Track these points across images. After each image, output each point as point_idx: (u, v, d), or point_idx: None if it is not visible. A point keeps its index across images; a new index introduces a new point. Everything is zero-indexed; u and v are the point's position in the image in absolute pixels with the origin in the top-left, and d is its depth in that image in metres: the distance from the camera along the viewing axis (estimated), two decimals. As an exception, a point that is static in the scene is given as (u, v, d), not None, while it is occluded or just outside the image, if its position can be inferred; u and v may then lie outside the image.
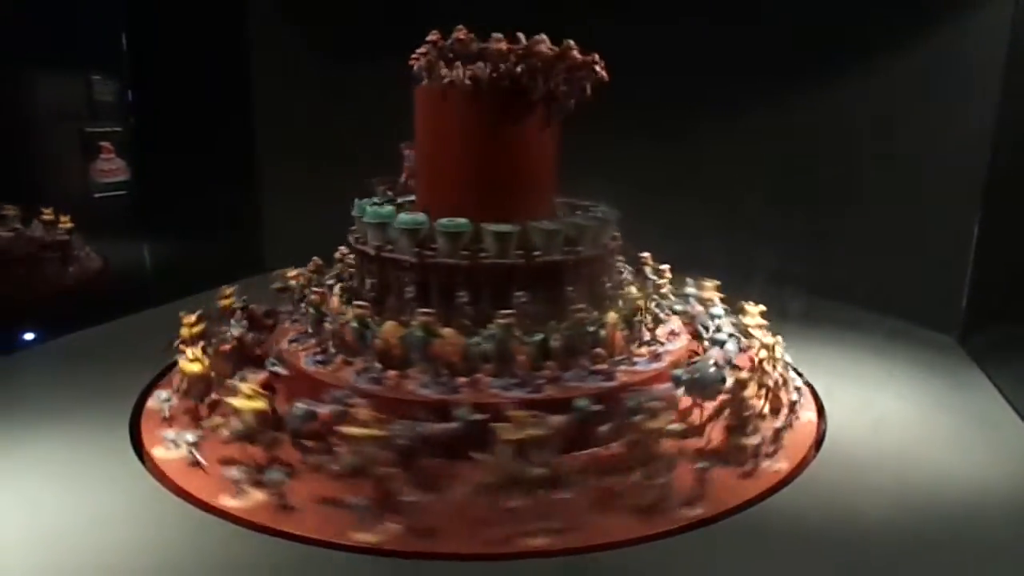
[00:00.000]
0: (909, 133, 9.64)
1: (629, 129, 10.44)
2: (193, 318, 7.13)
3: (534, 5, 9.88)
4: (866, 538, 5.27)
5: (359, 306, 6.93)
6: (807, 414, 7.00)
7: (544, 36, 7.15)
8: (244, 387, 5.93)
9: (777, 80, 10.46)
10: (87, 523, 5.25)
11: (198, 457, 5.94)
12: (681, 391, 6.37)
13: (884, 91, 9.90)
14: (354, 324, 6.78)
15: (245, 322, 7.75)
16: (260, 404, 5.82)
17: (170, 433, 6.27)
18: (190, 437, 6.09)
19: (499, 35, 7.20)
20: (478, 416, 5.59)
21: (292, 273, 8.42)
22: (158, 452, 6.15)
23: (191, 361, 6.60)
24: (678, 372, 6.47)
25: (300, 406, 5.81)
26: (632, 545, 5.13)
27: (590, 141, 8.72)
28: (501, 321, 6.46)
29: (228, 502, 5.46)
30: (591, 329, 6.71)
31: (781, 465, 6.09)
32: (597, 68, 7.20)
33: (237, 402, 5.81)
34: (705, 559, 5.11)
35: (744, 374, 6.40)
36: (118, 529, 5.20)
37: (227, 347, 7.33)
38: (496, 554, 5.00)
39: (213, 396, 6.64)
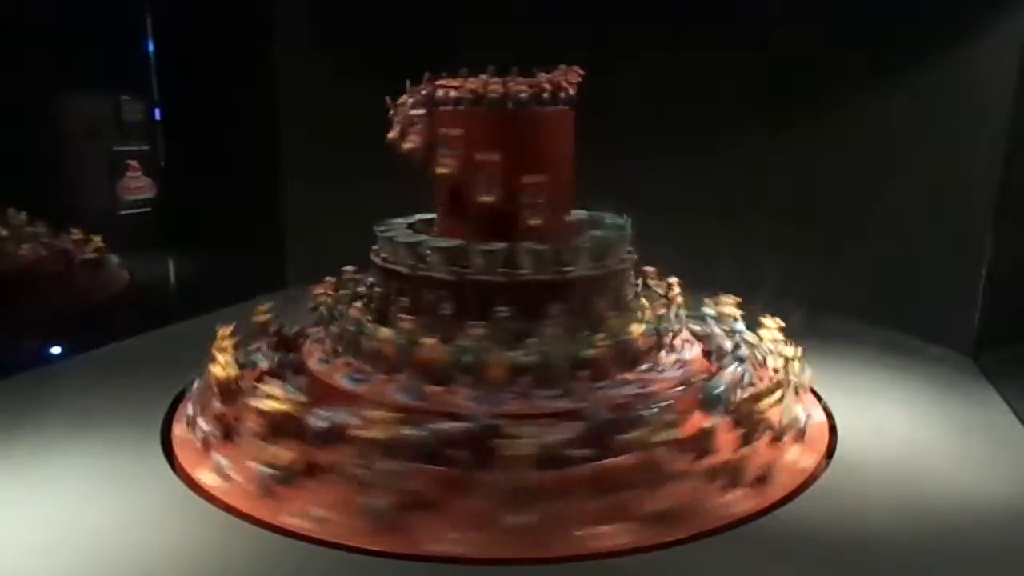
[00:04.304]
0: (924, 150, 9.50)
1: (647, 147, 10.53)
2: (228, 330, 7.45)
3: (549, 33, 10.04)
4: (875, 556, 5.23)
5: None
6: (818, 428, 6.95)
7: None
8: (269, 389, 6.32)
9: (793, 100, 10.42)
10: (120, 526, 5.50)
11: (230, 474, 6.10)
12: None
13: (899, 110, 9.77)
14: (399, 340, 6.94)
15: (273, 354, 7.88)
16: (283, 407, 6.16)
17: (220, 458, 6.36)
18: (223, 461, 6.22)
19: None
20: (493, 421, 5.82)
21: (320, 289, 8.49)
22: (191, 464, 6.37)
23: (222, 367, 6.89)
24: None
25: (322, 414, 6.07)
26: (629, 555, 5.18)
27: (609, 160, 8.93)
28: (475, 333, 6.65)
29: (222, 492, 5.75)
30: (579, 347, 6.77)
31: (787, 478, 6.06)
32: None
33: (261, 404, 6.17)
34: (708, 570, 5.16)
35: (760, 386, 6.46)
36: (152, 533, 5.43)
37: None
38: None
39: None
